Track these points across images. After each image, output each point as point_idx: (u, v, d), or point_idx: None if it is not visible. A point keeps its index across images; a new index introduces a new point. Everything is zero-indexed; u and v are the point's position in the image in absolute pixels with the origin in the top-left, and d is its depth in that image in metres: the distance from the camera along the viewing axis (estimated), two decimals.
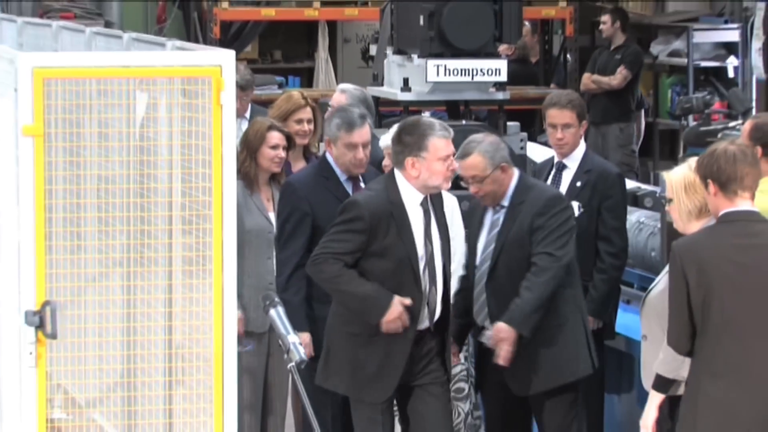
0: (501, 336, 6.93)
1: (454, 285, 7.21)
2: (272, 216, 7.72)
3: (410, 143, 6.72)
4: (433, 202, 6.91)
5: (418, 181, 6.67)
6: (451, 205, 7.42)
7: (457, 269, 7.38)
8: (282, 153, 7.71)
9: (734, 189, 5.87)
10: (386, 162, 7.77)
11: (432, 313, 6.95)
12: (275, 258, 7.88)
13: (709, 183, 5.90)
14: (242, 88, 9.52)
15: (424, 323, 6.91)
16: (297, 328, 7.20)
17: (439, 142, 6.85)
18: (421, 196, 6.76)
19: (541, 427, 7.36)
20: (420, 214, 6.84)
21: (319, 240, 7.49)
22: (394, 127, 7.44)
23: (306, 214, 7.56)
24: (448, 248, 6.98)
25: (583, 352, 7.20)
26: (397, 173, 6.75)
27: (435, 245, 7.04)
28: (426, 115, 9.17)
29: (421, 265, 6.95)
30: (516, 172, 7.25)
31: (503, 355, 6.93)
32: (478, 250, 7.27)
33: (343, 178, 7.55)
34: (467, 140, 7.33)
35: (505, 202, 7.14)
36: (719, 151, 6.05)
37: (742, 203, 5.87)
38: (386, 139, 7.70)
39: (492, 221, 7.22)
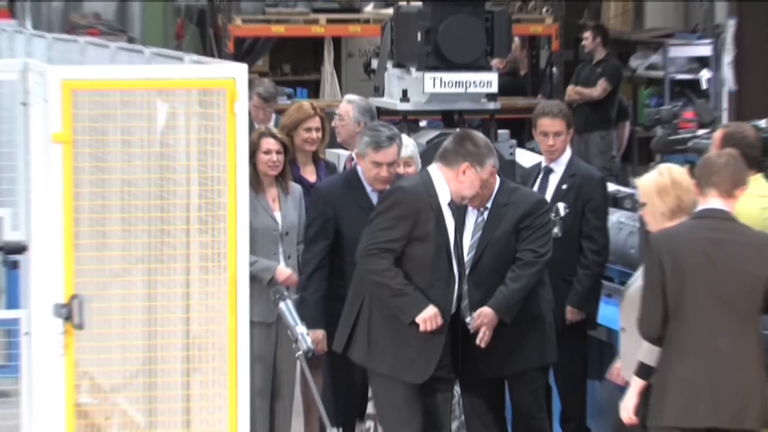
0: (484, 320, 6.96)
1: None
2: (278, 215, 7.72)
3: (473, 153, 6.71)
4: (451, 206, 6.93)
5: (458, 185, 6.64)
6: None
7: None
8: (275, 157, 7.69)
9: (706, 187, 6.01)
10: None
11: (456, 300, 7.00)
12: (300, 256, 7.95)
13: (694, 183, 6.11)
14: (266, 99, 9.56)
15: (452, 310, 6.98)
16: (313, 325, 7.26)
17: (491, 167, 6.94)
18: (449, 197, 6.75)
19: (513, 405, 7.39)
20: (449, 212, 6.83)
21: (341, 244, 7.53)
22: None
23: (329, 219, 7.58)
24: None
25: (550, 343, 7.24)
26: (435, 171, 6.70)
27: (458, 241, 7.11)
28: (423, 124, 9.19)
29: (453, 254, 7.00)
30: (498, 177, 7.27)
31: (483, 337, 6.96)
32: (465, 248, 7.25)
33: (369, 189, 7.54)
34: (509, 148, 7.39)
35: (488, 204, 7.14)
36: (707, 156, 6.29)
37: (714, 202, 5.96)
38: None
39: (476, 222, 7.25)
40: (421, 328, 6.67)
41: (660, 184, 6.32)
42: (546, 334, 7.31)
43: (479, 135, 7.04)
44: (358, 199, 7.42)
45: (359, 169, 7.57)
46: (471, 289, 7.11)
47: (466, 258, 7.23)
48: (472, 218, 7.24)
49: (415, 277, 6.68)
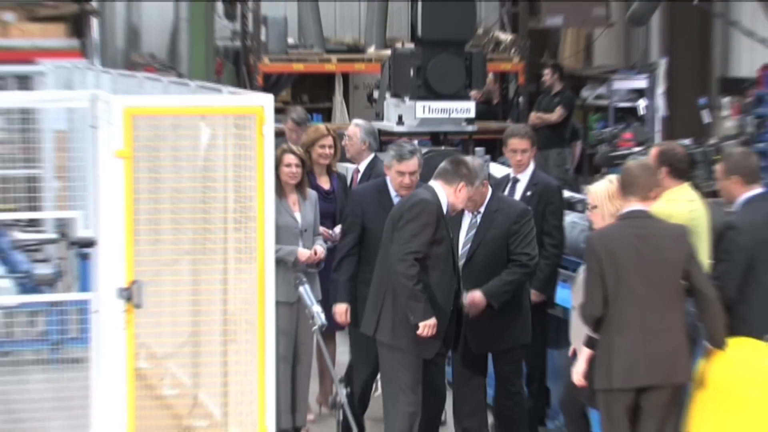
0: (475, 301, 6.94)
1: None
2: (298, 216, 7.71)
3: (467, 175, 6.66)
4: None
5: (455, 199, 6.58)
6: None
7: None
8: (294, 170, 7.70)
9: (629, 194, 6.07)
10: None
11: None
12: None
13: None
14: (298, 123, 9.54)
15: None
16: (339, 300, 7.36)
17: (478, 185, 6.95)
18: (446, 208, 6.75)
19: (497, 374, 7.37)
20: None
21: (367, 236, 7.52)
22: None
23: (357, 216, 7.56)
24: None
25: (528, 325, 7.23)
26: (437, 186, 6.66)
27: (456, 242, 7.12)
28: (414, 143, 9.17)
29: (456, 255, 7.02)
30: (490, 187, 7.28)
31: (471, 313, 6.97)
32: (459, 246, 7.20)
33: (393, 194, 7.50)
34: (480, 163, 7.35)
35: (481, 209, 7.12)
36: (624, 169, 6.33)
37: (636, 205, 6.02)
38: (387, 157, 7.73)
39: (470, 223, 7.19)
40: (419, 332, 6.61)
41: (610, 191, 6.37)
42: (527, 317, 7.30)
43: (470, 159, 7.04)
44: (383, 203, 7.40)
45: (388, 179, 7.56)
46: (465, 279, 7.07)
47: (461, 252, 7.21)
48: (467, 220, 7.19)
49: (430, 272, 6.65)
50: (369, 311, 6.67)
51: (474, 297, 6.88)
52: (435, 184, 6.63)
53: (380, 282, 6.65)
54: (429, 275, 6.68)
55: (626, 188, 6.11)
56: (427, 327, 6.56)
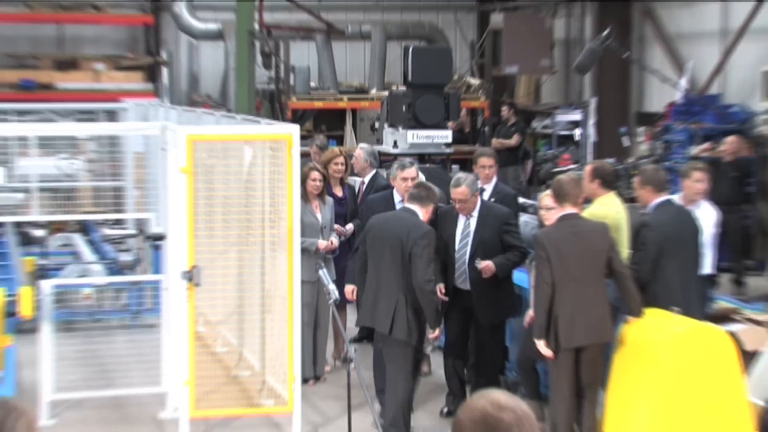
0: (489, 267, 6.70)
1: None
2: (319, 216, 7.65)
3: (433, 197, 6.49)
4: None
5: (426, 217, 6.34)
6: None
7: None
8: (318, 183, 7.65)
9: (563, 201, 6.07)
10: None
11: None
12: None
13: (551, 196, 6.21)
14: (321, 148, 9.50)
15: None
16: (350, 282, 7.14)
17: (471, 197, 6.80)
18: None
19: (478, 340, 7.06)
20: None
21: None
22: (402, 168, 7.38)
23: (369, 219, 7.40)
24: None
25: (516, 302, 7.06)
26: (417, 208, 6.41)
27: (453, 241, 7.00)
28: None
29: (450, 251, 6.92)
30: (479, 198, 7.09)
31: (485, 270, 6.70)
32: (456, 241, 6.92)
33: (397, 201, 7.32)
34: (457, 177, 7.11)
35: (474, 213, 6.88)
36: (557, 181, 6.29)
37: (569, 209, 6.03)
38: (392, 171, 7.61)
39: (465, 224, 6.93)
40: (431, 335, 6.50)
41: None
42: (513, 296, 7.10)
43: (433, 186, 6.86)
44: (389, 209, 7.20)
45: (394, 191, 7.43)
46: (469, 270, 6.83)
47: (459, 246, 6.94)
48: (461, 221, 6.93)
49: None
50: (382, 315, 6.33)
51: (488, 264, 6.68)
52: (414, 206, 6.43)
53: (390, 292, 6.29)
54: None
55: (560, 197, 6.11)
56: (438, 335, 6.55)
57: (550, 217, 6.32)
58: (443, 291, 6.77)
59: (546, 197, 6.49)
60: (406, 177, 7.25)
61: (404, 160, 7.71)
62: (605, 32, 11.37)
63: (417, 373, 6.60)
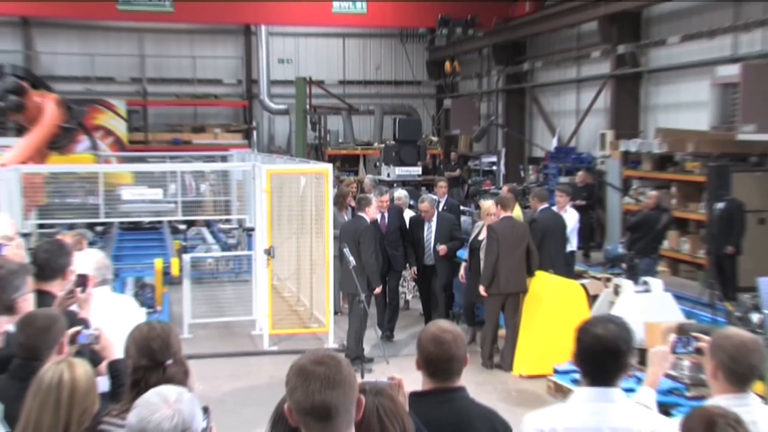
0: (444, 250, 6.32)
1: None
2: (346, 218, 7.34)
3: (364, 206, 5.92)
4: None
5: (370, 216, 5.89)
6: None
7: None
8: (352, 201, 7.48)
9: (505, 209, 5.89)
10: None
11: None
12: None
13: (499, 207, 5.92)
14: (340, 180, 9.37)
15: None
16: (376, 283, 5.97)
17: (429, 208, 6.32)
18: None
19: (441, 293, 6.59)
20: None
21: (382, 243, 6.42)
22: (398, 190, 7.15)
23: (376, 230, 6.47)
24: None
25: (456, 269, 6.53)
26: (363, 214, 5.86)
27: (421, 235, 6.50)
28: (395, 186, 8.94)
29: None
30: (436, 210, 6.68)
31: (441, 252, 6.32)
32: (424, 236, 6.48)
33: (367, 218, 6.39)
34: (422, 197, 6.72)
35: (434, 219, 6.49)
36: (500, 197, 6.09)
37: (507, 214, 5.88)
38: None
39: (428, 226, 6.52)
40: (375, 292, 5.88)
41: (493, 207, 6.08)
42: (455, 268, 6.56)
43: (368, 196, 6.21)
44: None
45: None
46: (433, 251, 6.45)
47: (426, 240, 6.50)
48: (426, 225, 6.51)
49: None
50: (351, 284, 5.63)
51: (444, 248, 6.35)
52: (362, 213, 5.94)
53: (354, 269, 5.59)
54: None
55: (504, 206, 5.89)
56: (380, 289, 5.96)
57: (491, 220, 6.03)
58: (416, 272, 6.48)
59: (491, 206, 6.12)
60: (382, 200, 6.65)
61: (382, 188, 7.42)
62: (491, 118, 11.65)
63: (365, 315, 5.81)
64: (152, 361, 1.84)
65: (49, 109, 7.23)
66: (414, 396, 1.85)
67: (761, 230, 7.96)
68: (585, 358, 1.94)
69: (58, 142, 7.42)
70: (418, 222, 6.69)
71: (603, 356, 1.91)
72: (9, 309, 2.37)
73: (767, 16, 8.42)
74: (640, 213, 7.77)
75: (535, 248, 5.94)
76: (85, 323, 2.43)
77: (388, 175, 10.46)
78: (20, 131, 8.35)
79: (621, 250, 7.37)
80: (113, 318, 2.73)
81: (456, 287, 6.93)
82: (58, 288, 2.72)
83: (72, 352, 2.22)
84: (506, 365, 5.81)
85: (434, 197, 7.08)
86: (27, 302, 2.45)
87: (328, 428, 1.36)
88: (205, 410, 1.63)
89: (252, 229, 7.60)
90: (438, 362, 1.98)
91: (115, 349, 2.27)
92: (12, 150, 7.45)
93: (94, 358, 2.25)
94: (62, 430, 1.76)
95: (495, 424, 2.01)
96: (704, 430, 1.57)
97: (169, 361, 1.84)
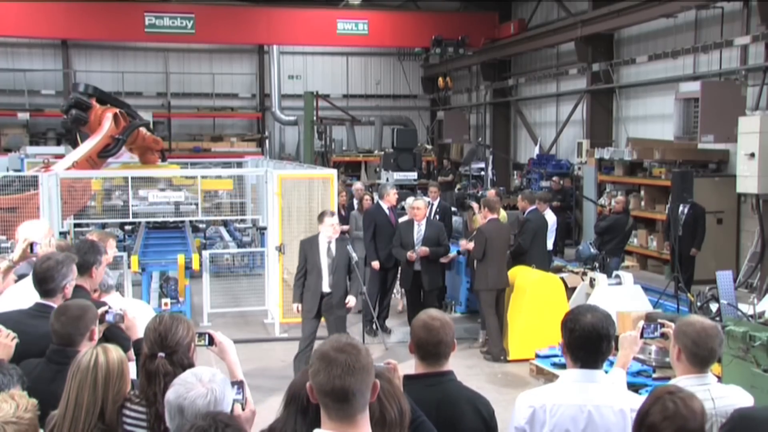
0: (426, 252, 5.92)
1: None
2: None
3: (383, 194, 5.85)
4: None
5: (330, 233, 5.15)
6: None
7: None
8: (368, 201, 7.24)
9: (491, 211, 5.86)
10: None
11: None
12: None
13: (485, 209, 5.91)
14: (347, 184, 9.37)
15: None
16: (371, 258, 6.12)
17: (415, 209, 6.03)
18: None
19: (427, 292, 6.15)
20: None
21: (378, 230, 6.32)
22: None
23: (372, 221, 6.51)
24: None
25: (444, 270, 6.32)
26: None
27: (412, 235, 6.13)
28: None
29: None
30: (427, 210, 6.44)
31: (422, 254, 5.96)
32: (414, 238, 6.08)
33: (386, 207, 6.53)
34: (418, 198, 6.53)
35: (424, 222, 6.09)
36: (486, 199, 6.05)
37: (493, 216, 5.84)
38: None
39: (419, 227, 6.10)
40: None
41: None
42: (442, 270, 6.27)
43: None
44: (380, 215, 6.52)
45: (382, 203, 6.57)
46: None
47: (416, 242, 6.07)
48: (416, 226, 6.10)
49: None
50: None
51: (424, 249, 5.98)
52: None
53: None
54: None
55: (490, 208, 5.83)
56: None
57: (482, 220, 5.96)
58: (377, 266, 6.20)
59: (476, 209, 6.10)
60: (391, 196, 6.54)
61: (387, 186, 7.26)
62: (479, 139, 11.75)
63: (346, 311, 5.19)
64: (149, 351, 1.84)
65: (106, 122, 7.39)
66: (406, 379, 1.85)
67: (719, 229, 8.11)
68: (581, 344, 1.91)
69: (110, 152, 7.55)
70: (407, 225, 6.34)
71: (597, 342, 1.90)
72: (60, 293, 2.49)
73: (723, 39, 8.50)
74: (609, 217, 7.71)
75: (518, 246, 5.94)
76: (107, 306, 2.44)
77: (387, 180, 10.45)
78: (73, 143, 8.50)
79: (593, 250, 7.35)
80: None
81: (450, 278, 6.73)
82: (88, 283, 2.78)
83: (101, 330, 2.26)
84: (494, 355, 5.69)
85: (428, 199, 7.05)
86: (71, 288, 2.55)
87: (345, 409, 1.37)
88: (240, 384, 1.63)
89: (264, 228, 7.59)
90: (428, 346, 1.99)
91: (139, 329, 2.31)
92: (66, 158, 7.60)
93: (124, 344, 2.26)
94: (99, 407, 1.77)
95: (479, 406, 1.99)
96: (650, 405, 1.58)
97: (161, 354, 1.80)
